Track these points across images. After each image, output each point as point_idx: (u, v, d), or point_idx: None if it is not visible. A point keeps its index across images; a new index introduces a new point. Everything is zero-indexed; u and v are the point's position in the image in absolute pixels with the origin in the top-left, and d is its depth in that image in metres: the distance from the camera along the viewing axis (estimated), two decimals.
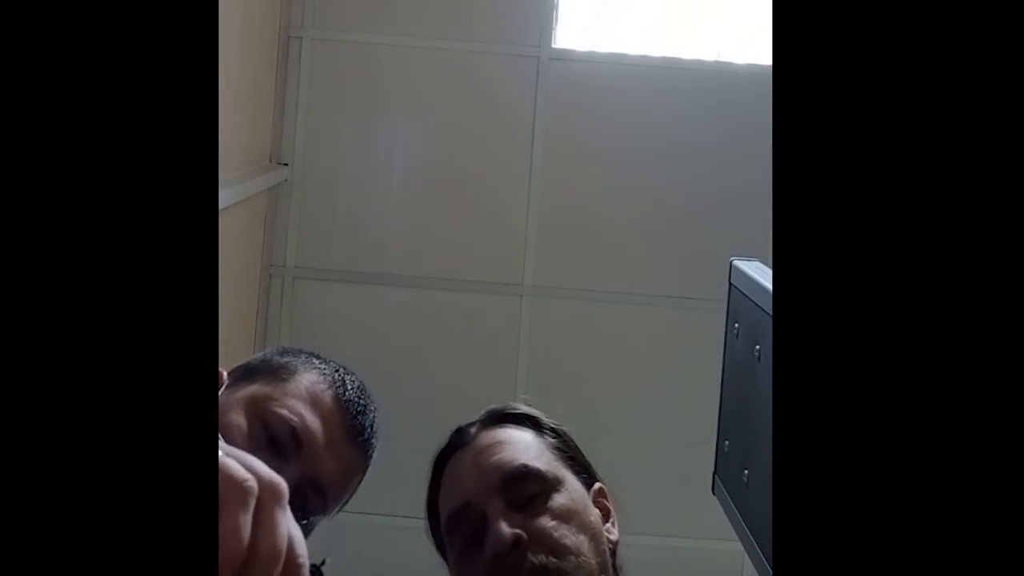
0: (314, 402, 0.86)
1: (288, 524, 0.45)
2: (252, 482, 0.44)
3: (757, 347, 1.01)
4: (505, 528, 0.87)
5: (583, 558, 0.88)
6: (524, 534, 0.87)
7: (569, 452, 0.99)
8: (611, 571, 0.91)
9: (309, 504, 0.84)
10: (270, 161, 3.35)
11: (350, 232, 3.44)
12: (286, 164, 3.39)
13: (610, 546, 0.94)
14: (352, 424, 0.88)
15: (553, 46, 3.39)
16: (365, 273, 3.40)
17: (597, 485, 0.99)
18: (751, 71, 3.33)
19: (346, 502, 0.93)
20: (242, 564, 0.43)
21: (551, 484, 0.92)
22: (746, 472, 1.04)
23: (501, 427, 0.99)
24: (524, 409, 1.02)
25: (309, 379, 0.88)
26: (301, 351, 0.93)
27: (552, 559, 0.86)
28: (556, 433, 1.00)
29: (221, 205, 2.56)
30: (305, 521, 0.84)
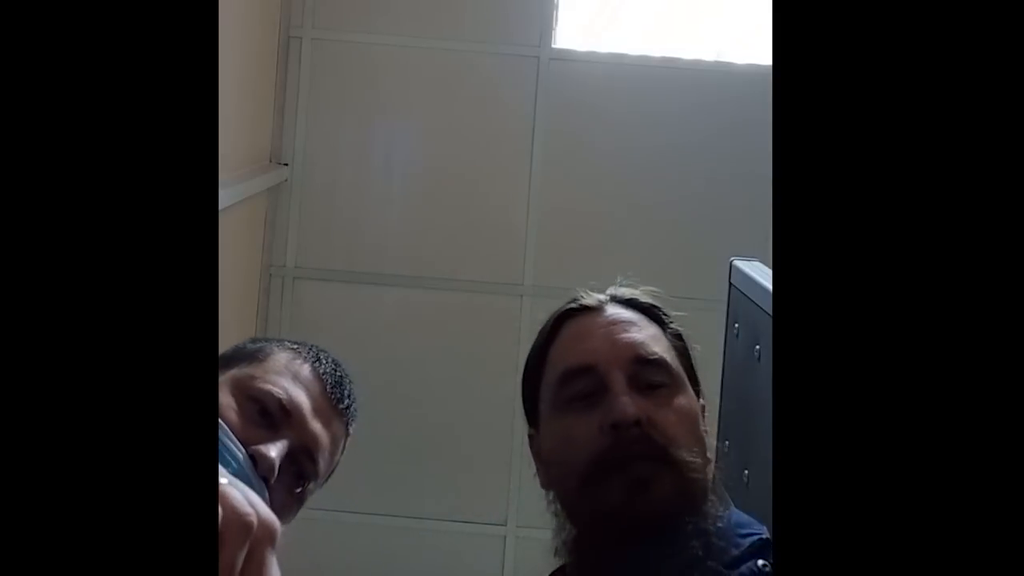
0: (294, 376, 0.89)
1: (274, 566, 0.47)
2: (253, 517, 0.45)
3: (757, 347, 1.01)
4: (630, 403, 0.86)
5: (697, 461, 0.87)
6: (645, 417, 0.86)
7: (689, 360, 0.98)
8: (715, 482, 0.90)
9: (304, 470, 0.87)
10: (270, 161, 3.35)
11: (350, 232, 3.43)
12: (286, 164, 3.39)
13: (709, 463, 0.92)
14: (332, 393, 0.91)
15: (553, 46, 3.39)
16: (365, 273, 3.40)
17: (702, 402, 0.98)
18: (751, 71, 3.33)
19: (334, 469, 0.95)
20: None
21: (676, 381, 0.92)
22: (746, 472, 1.04)
23: (632, 310, 0.97)
24: (653, 301, 1.00)
25: (285, 357, 0.91)
26: (271, 338, 0.97)
27: (672, 449, 0.85)
28: (680, 337, 0.99)
29: (221, 205, 2.56)
30: (299, 489, 0.87)
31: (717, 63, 3.41)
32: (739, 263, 1.12)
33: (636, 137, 3.40)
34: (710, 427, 0.97)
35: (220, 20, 0.51)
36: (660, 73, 3.39)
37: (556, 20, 3.41)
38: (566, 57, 3.40)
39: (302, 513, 0.91)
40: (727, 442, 1.14)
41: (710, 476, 0.90)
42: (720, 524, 0.89)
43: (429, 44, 3.40)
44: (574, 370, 0.91)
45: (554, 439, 0.92)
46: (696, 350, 0.99)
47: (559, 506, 0.91)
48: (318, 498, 0.99)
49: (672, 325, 0.98)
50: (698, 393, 0.96)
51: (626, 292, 0.99)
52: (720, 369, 1.18)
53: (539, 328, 0.99)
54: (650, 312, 0.97)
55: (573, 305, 0.97)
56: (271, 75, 3.32)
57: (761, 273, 1.06)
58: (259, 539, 0.46)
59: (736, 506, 1.08)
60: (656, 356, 0.91)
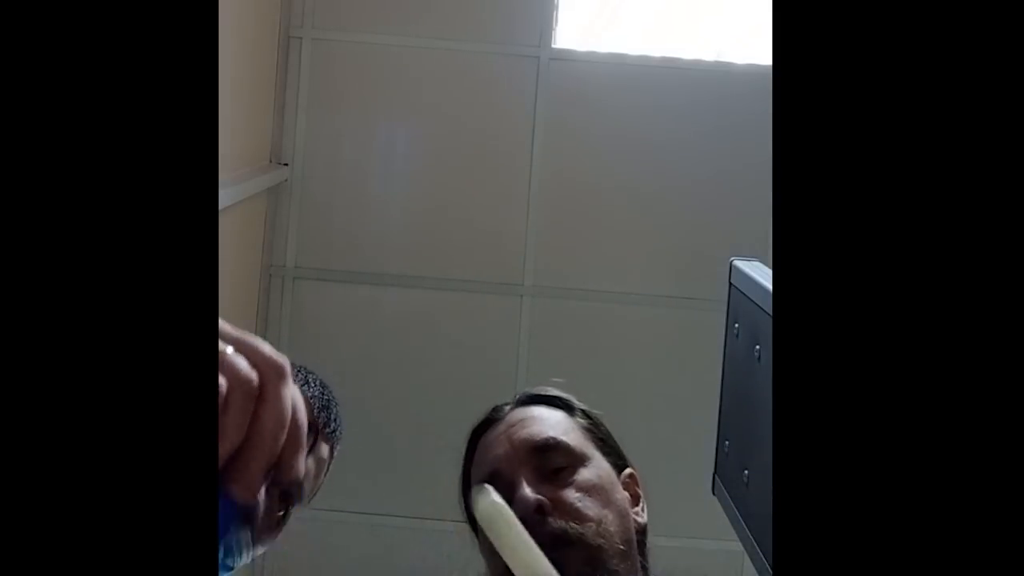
0: None
1: (291, 394, 0.47)
2: (254, 378, 0.45)
3: (757, 347, 1.01)
4: (530, 493, 0.90)
5: (605, 529, 0.90)
6: (547, 501, 0.90)
7: (599, 434, 1.02)
8: (636, 550, 0.93)
9: (288, 494, 0.88)
10: (270, 161, 3.35)
11: (350, 232, 3.43)
12: (286, 164, 3.39)
13: (637, 527, 0.96)
14: (319, 417, 0.93)
15: (553, 46, 3.39)
16: (365, 273, 3.40)
17: (628, 470, 1.02)
18: (751, 71, 3.33)
19: (318, 490, 0.97)
20: (247, 439, 0.44)
21: (578, 458, 0.95)
22: (746, 472, 1.04)
23: (534, 406, 1.03)
24: (556, 392, 1.06)
25: None
26: None
27: (573, 525, 0.89)
28: (587, 415, 1.04)
29: (221, 205, 2.56)
30: (282, 512, 0.88)
31: (717, 63, 3.41)
32: (739, 263, 1.12)
33: (636, 137, 3.40)
34: (643, 489, 1.02)
35: (220, 20, 0.51)
36: (660, 73, 3.39)
37: (556, 20, 3.41)
38: (566, 57, 3.40)
39: (302, 513, 0.92)
40: (727, 442, 1.14)
41: (631, 540, 0.93)
42: None
43: (429, 44, 3.40)
44: (485, 481, 0.95)
45: (485, 558, 0.96)
46: (605, 424, 1.05)
47: None
48: (318, 498, 0.99)
49: (579, 406, 1.05)
50: (619, 464, 1.00)
51: (529, 391, 1.06)
52: (720, 369, 1.18)
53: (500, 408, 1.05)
54: (553, 402, 1.04)
55: (480, 422, 1.05)
56: (271, 75, 3.32)
57: (761, 273, 1.06)
58: (268, 378, 0.45)
59: (736, 506, 1.08)
60: (553, 440, 0.95)
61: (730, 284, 1.13)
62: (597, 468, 0.96)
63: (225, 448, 0.44)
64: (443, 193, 3.43)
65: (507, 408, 1.04)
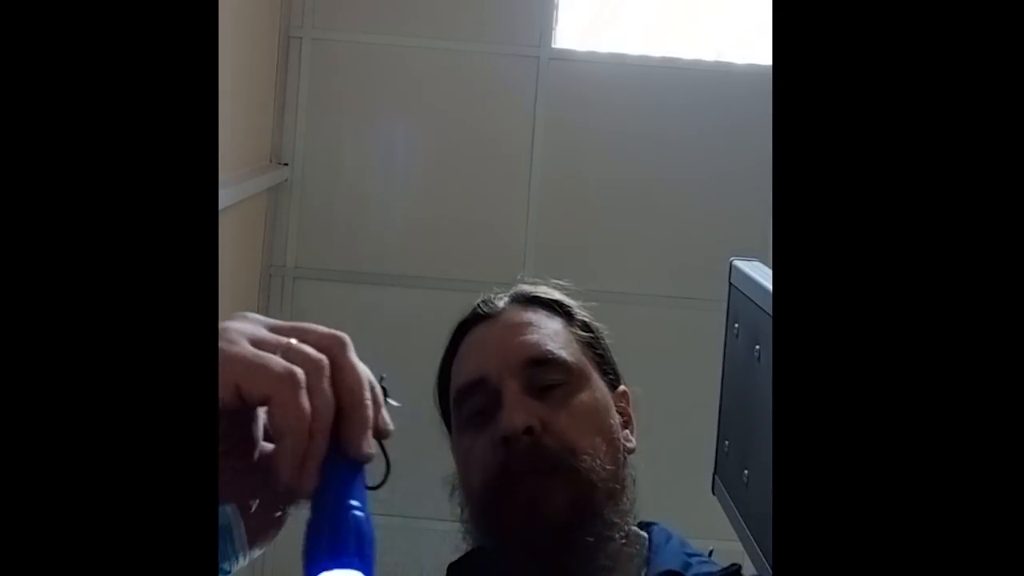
0: None
1: (358, 361, 0.50)
2: (296, 372, 0.47)
3: (757, 347, 1.00)
4: (520, 412, 0.82)
5: (597, 461, 0.83)
6: (538, 423, 0.82)
7: (598, 349, 0.94)
8: (623, 480, 0.86)
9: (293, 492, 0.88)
10: (270, 161, 3.35)
11: (350, 232, 3.43)
12: (286, 164, 3.39)
13: (625, 454, 0.89)
14: None
15: (553, 46, 3.39)
16: (365, 273, 3.40)
17: (621, 388, 0.94)
18: (751, 71, 3.33)
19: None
20: (340, 407, 0.48)
21: (575, 377, 0.87)
22: (746, 472, 1.04)
23: (531, 309, 0.93)
24: (557, 296, 0.96)
25: None
26: None
27: (564, 454, 0.82)
28: (587, 327, 0.95)
29: (221, 205, 2.56)
30: (279, 513, 0.86)
31: (717, 63, 3.41)
32: (739, 263, 1.12)
33: (636, 137, 3.40)
34: (633, 407, 0.94)
35: (220, 20, 0.51)
36: (660, 73, 3.39)
37: (556, 20, 3.41)
38: (566, 57, 3.40)
39: (302, 513, 0.91)
40: (727, 442, 1.14)
41: (621, 475, 0.86)
42: (631, 528, 0.86)
43: (429, 44, 3.40)
44: (468, 386, 0.88)
45: (457, 462, 0.90)
46: (605, 338, 0.95)
47: (467, 525, 0.88)
48: None
49: (579, 316, 0.95)
50: (613, 382, 0.93)
51: (528, 290, 0.96)
52: (720, 369, 1.18)
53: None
54: (552, 307, 0.94)
55: (470, 315, 0.95)
56: (271, 75, 3.32)
57: (761, 273, 1.06)
58: (336, 351, 0.49)
59: (736, 506, 1.08)
60: (551, 355, 0.87)
61: (730, 284, 1.13)
62: (593, 390, 0.88)
63: (324, 422, 0.47)
64: (443, 193, 3.43)
65: (500, 304, 0.94)
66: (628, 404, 0.95)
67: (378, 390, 0.51)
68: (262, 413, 0.51)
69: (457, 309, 1.04)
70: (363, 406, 0.48)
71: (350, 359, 0.49)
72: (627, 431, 0.92)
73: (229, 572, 0.56)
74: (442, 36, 3.39)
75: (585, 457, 0.82)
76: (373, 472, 0.52)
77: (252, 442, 0.50)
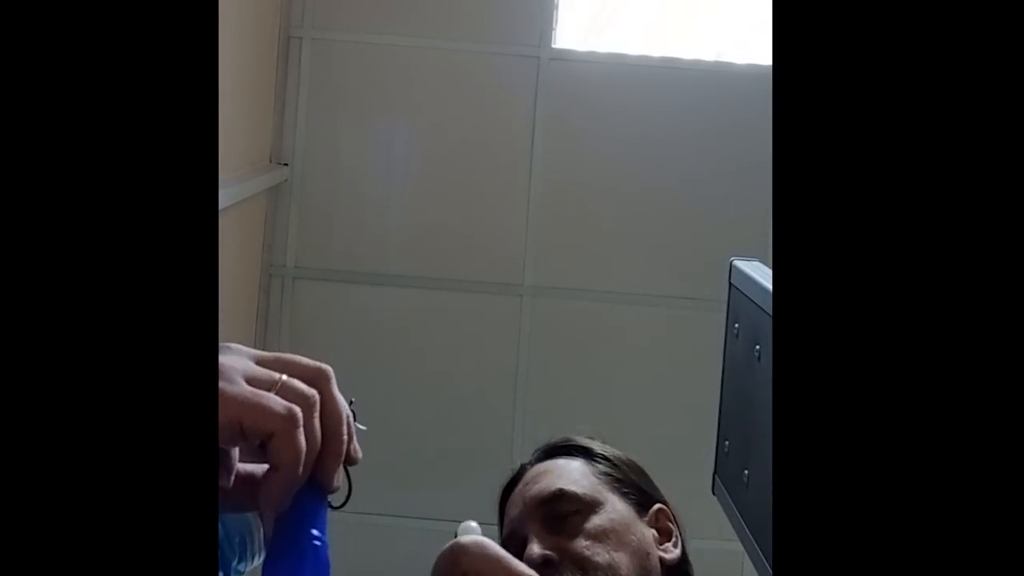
0: None
1: (339, 394, 0.53)
2: (295, 411, 0.50)
3: (757, 347, 1.00)
4: (536, 548, 0.91)
5: (616, 573, 0.90)
6: (554, 554, 0.90)
7: (618, 476, 1.02)
8: None
9: None
10: (270, 161, 3.35)
11: (350, 232, 3.43)
12: (286, 164, 3.39)
13: (667, 563, 0.96)
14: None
15: (553, 46, 3.39)
16: (365, 273, 3.40)
17: (657, 506, 1.02)
18: (751, 71, 3.33)
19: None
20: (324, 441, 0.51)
21: (587, 505, 0.96)
22: (746, 472, 1.04)
23: (552, 459, 1.04)
24: (578, 440, 1.07)
25: None
26: None
27: (586, 571, 0.89)
28: (608, 460, 1.04)
29: (221, 205, 2.56)
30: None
31: (717, 63, 3.41)
32: (739, 263, 1.12)
33: (636, 137, 3.40)
34: (678, 521, 1.02)
35: (220, 20, 0.51)
36: (660, 73, 3.39)
37: (556, 20, 3.41)
38: (566, 57, 3.40)
39: None
40: (727, 442, 1.14)
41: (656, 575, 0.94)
42: None
43: (429, 44, 3.40)
44: (504, 542, 0.98)
45: None
46: (632, 466, 1.05)
47: None
48: None
49: (600, 452, 1.05)
50: (640, 502, 1.01)
51: (554, 442, 1.08)
52: (720, 369, 1.18)
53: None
54: (571, 451, 1.05)
55: (506, 483, 1.06)
56: (271, 75, 3.32)
57: (761, 273, 1.05)
58: (321, 384, 0.52)
59: (736, 506, 1.08)
60: (558, 492, 0.96)
61: (730, 284, 1.13)
62: (609, 512, 0.96)
63: (312, 457, 0.50)
64: (443, 193, 3.43)
65: (527, 465, 1.06)
66: (668, 519, 1.03)
67: (352, 420, 0.54)
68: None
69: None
70: (340, 441, 0.52)
71: (334, 394, 0.53)
72: (668, 543, 1.00)
73: (242, 574, 0.57)
74: (442, 36, 3.39)
75: (600, 573, 0.90)
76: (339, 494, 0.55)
77: (228, 468, 0.53)
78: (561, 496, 0.96)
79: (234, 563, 0.62)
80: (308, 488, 0.51)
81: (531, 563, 0.88)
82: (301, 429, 0.49)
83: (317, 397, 0.51)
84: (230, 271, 3.00)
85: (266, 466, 0.51)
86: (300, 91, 3.38)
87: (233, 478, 0.53)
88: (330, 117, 3.40)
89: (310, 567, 0.51)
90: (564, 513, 0.95)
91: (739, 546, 1.06)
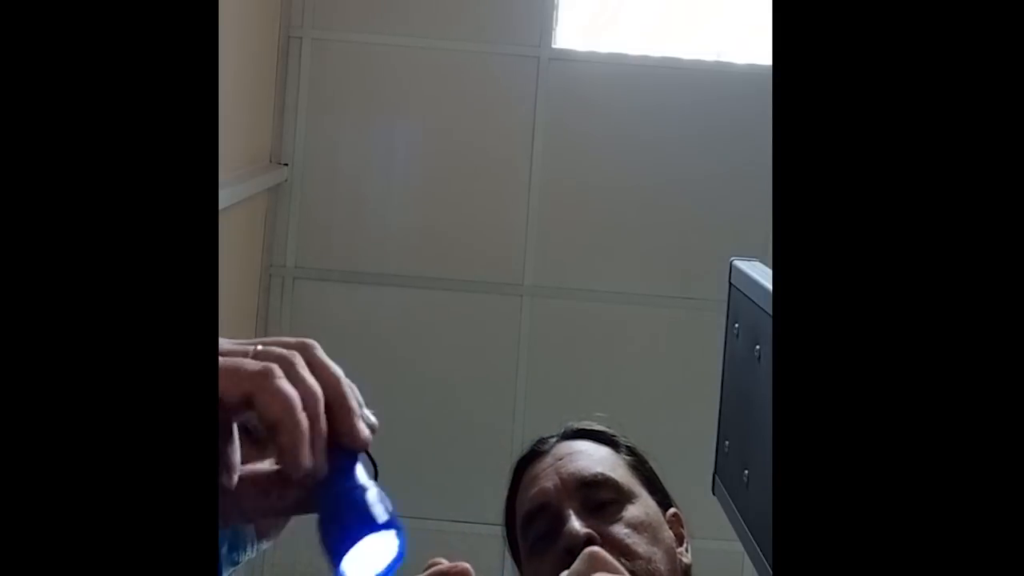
0: None
1: (329, 360, 0.50)
2: (270, 365, 0.47)
3: (757, 347, 1.00)
4: (579, 525, 0.91)
5: (655, 567, 0.91)
6: (596, 534, 0.91)
7: (644, 471, 1.04)
8: None
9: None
10: (270, 161, 3.35)
11: (350, 232, 3.44)
12: (286, 164, 3.39)
13: (683, 567, 0.97)
14: None
15: (553, 46, 3.39)
16: (365, 273, 3.41)
17: (672, 510, 1.03)
18: (751, 71, 3.33)
19: None
20: (329, 399, 0.48)
21: (626, 495, 0.97)
22: (746, 472, 1.04)
23: (580, 440, 1.05)
24: (601, 427, 1.08)
25: None
26: None
27: (624, 560, 0.88)
28: (632, 452, 1.06)
29: (221, 205, 2.56)
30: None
31: (717, 63, 3.41)
32: (739, 263, 1.12)
33: (636, 137, 3.40)
34: (686, 528, 1.03)
35: (220, 20, 0.51)
36: (660, 73, 3.39)
37: (556, 20, 3.41)
38: (566, 57, 3.40)
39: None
40: (727, 442, 1.14)
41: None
42: None
43: (429, 44, 3.40)
44: (532, 512, 0.98)
45: None
46: (651, 462, 1.07)
47: None
48: None
49: (624, 443, 1.07)
50: (663, 502, 1.02)
51: (575, 425, 1.09)
52: (720, 369, 1.18)
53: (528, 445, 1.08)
54: (599, 437, 1.06)
55: (526, 453, 1.07)
56: (271, 75, 3.32)
57: (761, 273, 1.06)
58: (306, 354, 0.48)
59: (736, 506, 1.08)
60: (602, 476, 0.97)
61: (730, 284, 1.13)
62: (644, 506, 0.98)
63: (315, 409, 0.47)
64: (443, 193, 3.43)
65: (552, 440, 1.06)
66: (680, 524, 1.04)
67: (354, 387, 0.50)
68: (236, 440, 0.50)
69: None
70: (346, 396, 0.48)
71: (321, 357, 0.49)
72: (681, 548, 1.01)
73: (238, 563, 0.56)
74: (442, 36, 3.39)
75: (641, 562, 0.91)
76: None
77: (229, 467, 0.49)
78: (604, 482, 0.97)
79: (224, 550, 0.60)
80: (336, 452, 0.47)
81: (573, 539, 0.89)
82: (283, 379, 0.46)
83: (298, 356, 0.48)
84: (230, 271, 3.01)
85: (273, 464, 0.49)
86: (300, 91, 3.39)
87: (236, 478, 0.51)
88: (330, 117, 3.40)
89: (379, 504, 0.48)
90: (604, 499, 0.95)
91: (739, 546, 1.06)
